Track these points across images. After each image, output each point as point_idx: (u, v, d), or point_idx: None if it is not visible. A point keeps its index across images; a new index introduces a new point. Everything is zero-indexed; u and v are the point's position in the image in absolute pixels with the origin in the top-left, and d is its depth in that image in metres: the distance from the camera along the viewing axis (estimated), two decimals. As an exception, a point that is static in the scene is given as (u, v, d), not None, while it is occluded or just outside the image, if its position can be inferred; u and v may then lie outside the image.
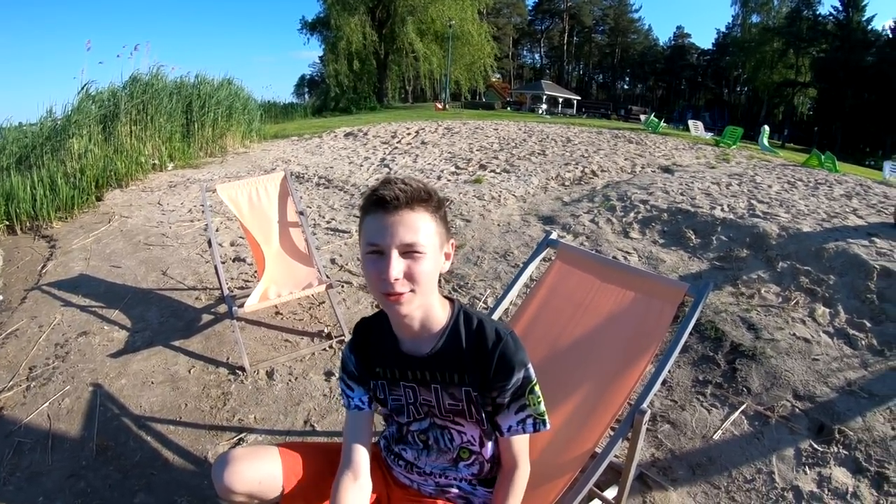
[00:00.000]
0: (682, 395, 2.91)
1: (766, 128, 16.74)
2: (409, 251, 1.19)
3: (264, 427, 2.80)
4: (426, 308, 1.29)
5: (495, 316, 2.30)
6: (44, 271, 5.32)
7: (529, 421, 1.34)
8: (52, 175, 8.02)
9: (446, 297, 1.39)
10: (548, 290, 2.24)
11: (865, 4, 49.30)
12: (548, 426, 1.36)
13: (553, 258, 2.34)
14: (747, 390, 2.88)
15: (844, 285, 3.79)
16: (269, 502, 1.43)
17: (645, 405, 1.70)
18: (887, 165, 13.05)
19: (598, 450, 1.75)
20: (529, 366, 1.33)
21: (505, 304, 2.35)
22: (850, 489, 2.26)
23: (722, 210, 5.38)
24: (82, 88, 10.80)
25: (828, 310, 3.57)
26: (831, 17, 51.81)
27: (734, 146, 13.43)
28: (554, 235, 2.41)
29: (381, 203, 1.18)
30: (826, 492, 2.26)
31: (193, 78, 13.11)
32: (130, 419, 2.91)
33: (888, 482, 2.28)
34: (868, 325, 3.37)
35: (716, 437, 2.58)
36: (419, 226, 1.19)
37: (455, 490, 1.46)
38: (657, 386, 1.76)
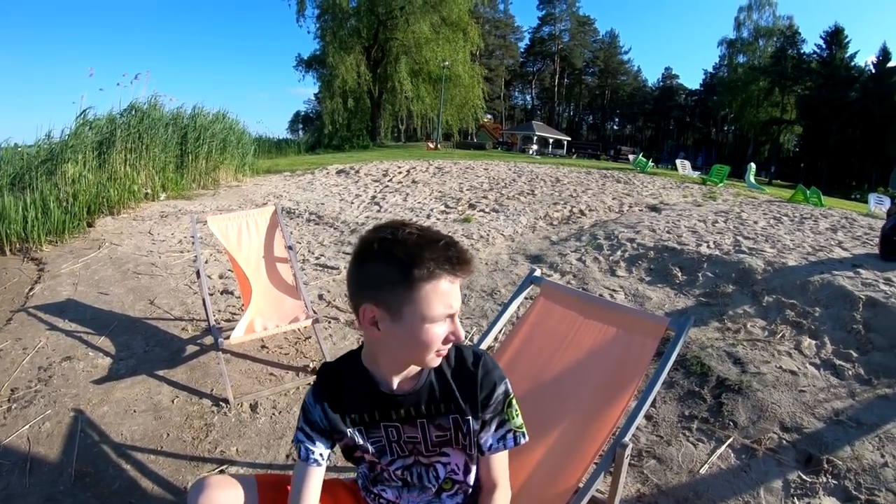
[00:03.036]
0: (668, 430, 2.89)
1: (753, 165, 17.09)
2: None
3: (246, 460, 2.76)
4: None
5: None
6: (31, 294, 5.28)
7: (510, 436, 1.36)
8: (45, 198, 8.00)
9: None
10: (531, 326, 2.25)
11: (848, 41, 50.78)
12: (526, 437, 1.38)
13: (537, 295, 2.36)
14: (734, 424, 2.87)
15: (830, 317, 3.82)
16: None
17: (626, 439, 1.70)
18: (872, 198, 13.30)
19: (582, 485, 1.74)
20: (507, 380, 1.36)
21: (488, 340, 2.35)
22: (840, 519, 2.23)
23: (708, 247, 5.43)
24: (81, 114, 10.86)
25: (814, 341, 3.60)
26: (815, 56, 53.33)
27: (721, 184, 13.67)
28: (538, 273, 2.43)
29: (462, 264, 1.16)
30: (815, 523, 2.22)
31: (190, 109, 13.25)
32: (111, 447, 2.86)
33: (878, 510, 2.26)
34: (855, 354, 3.39)
35: (702, 471, 2.56)
36: None
37: None
38: (639, 419, 1.76)
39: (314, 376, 3.47)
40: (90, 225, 8.24)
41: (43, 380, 3.56)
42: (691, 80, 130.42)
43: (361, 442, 1.36)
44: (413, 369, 1.31)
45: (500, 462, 1.37)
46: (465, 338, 4.08)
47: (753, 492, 2.41)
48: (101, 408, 3.22)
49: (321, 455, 1.38)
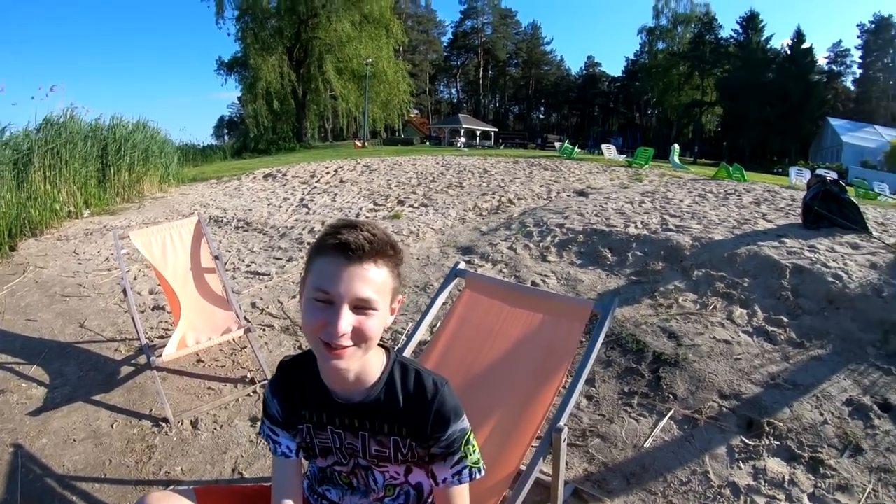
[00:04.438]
0: (610, 408, 2.97)
1: (676, 146, 17.65)
2: (361, 306, 1.11)
3: (192, 478, 2.71)
4: (362, 361, 1.21)
5: (409, 348, 2.33)
6: (-46, 326, 4.99)
7: (465, 472, 1.29)
8: None
9: (381, 345, 1.31)
10: (459, 319, 2.28)
11: (763, 25, 53.55)
12: (483, 472, 1.32)
13: (462, 288, 2.39)
14: (673, 396, 2.97)
15: (759, 286, 4.02)
16: None
17: (562, 423, 1.73)
18: (793, 171, 14.01)
19: (524, 468, 1.78)
20: (464, 417, 1.29)
21: (417, 336, 2.37)
22: (787, 477, 2.36)
23: (636, 227, 5.61)
24: (-3, 132, 10.31)
25: (745, 311, 3.78)
26: (732, 40, 55.95)
27: (646, 166, 14.10)
28: (462, 265, 2.46)
29: (342, 249, 1.09)
30: (763, 483, 2.35)
31: (108, 120, 12.68)
32: (54, 479, 2.75)
33: (823, 465, 2.40)
34: (786, 320, 3.58)
35: (647, 445, 2.64)
36: (377, 281, 1.12)
37: None
38: (573, 402, 1.81)
39: (252, 386, 3.45)
40: (12, 249, 7.83)
41: None
42: (614, 67, 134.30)
43: (309, 440, 1.36)
44: (356, 382, 1.26)
45: (456, 494, 1.30)
46: (401, 335, 4.07)
47: (699, 460, 2.50)
48: (40, 440, 3.09)
49: (288, 448, 1.39)
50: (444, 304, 2.48)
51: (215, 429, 3.10)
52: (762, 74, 50.59)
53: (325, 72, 38.16)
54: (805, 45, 51.14)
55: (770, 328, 3.53)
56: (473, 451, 1.29)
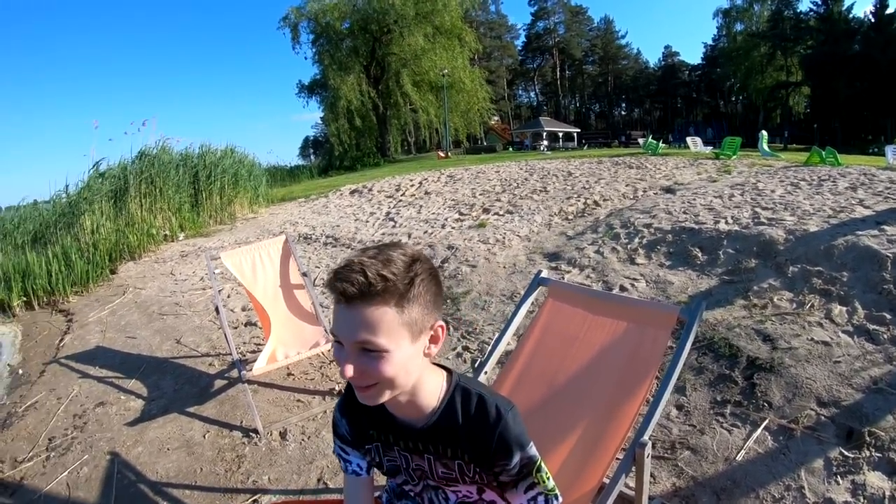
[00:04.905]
0: (701, 418, 2.81)
1: (765, 133, 16.68)
2: (367, 349, 1.06)
3: (278, 487, 2.78)
4: (410, 392, 1.18)
5: (493, 358, 2.29)
6: (61, 344, 5.41)
7: (541, 498, 1.24)
8: (67, 250, 8.25)
9: (441, 367, 1.28)
10: (541, 329, 2.23)
11: None
12: (559, 499, 1.27)
13: (545, 297, 2.33)
14: (768, 405, 2.77)
15: (859, 280, 3.70)
16: None
17: (646, 437, 1.65)
18: (889, 150, 12.98)
19: (607, 481, 1.72)
20: (531, 445, 1.22)
21: (502, 346, 2.33)
22: (888, 493, 2.16)
23: (726, 223, 5.34)
24: (94, 166, 11.13)
25: (844, 308, 3.48)
26: (812, 13, 52.07)
27: (735, 156, 13.41)
28: (544, 273, 2.40)
29: (338, 294, 1.05)
30: (862, 499, 2.15)
31: (198, 149, 13.45)
32: (147, 485, 2.92)
33: (929, 480, 2.16)
34: (888, 317, 3.27)
35: (739, 457, 2.48)
36: (377, 322, 1.05)
37: None
38: (658, 415, 1.72)
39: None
40: (113, 272, 8.40)
41: (78, 426, 3.64)
42: (692, 55, 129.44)
43: (378, 459, 1.35)
44: (412, 409, 1.23)
45: None
46: (489, 345, 4.04)
47: (794, 474, 2.32)
48: (136, 448, 3.28)
49: (359, 466, 1.40)
50: (529, 312, 2.43)
51: (303, 440, 3.18)
52: (847, 47, 46.86)
53: (403, 86, 38.85)
54: (889, 11, 46.96)
55: (872, 326, 3.22)
56: (547, 478, 1.24)
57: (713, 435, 2.66)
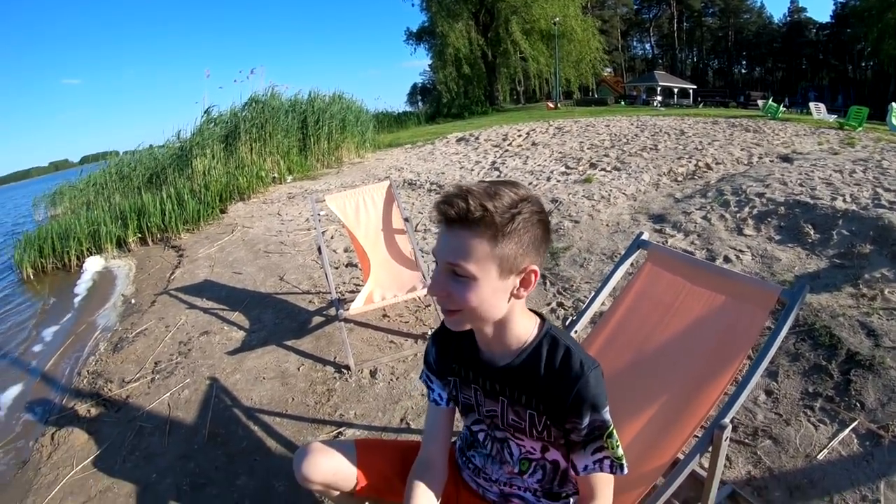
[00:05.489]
0: (789, 408, 2.66)
1: (894, 105, 15.05)
2: (457, 273, 1.11)
3: (363, 423, 2.92)
4: (497, 327, 1.23)
5: (585, 317, 2.26)
6: (172, 278, 5.79)
7: (607, 462, 1.22)
8: (180, 191, 8.83)
9: (536, 313, 1.30)
10: (636, 293, 2.17)
11: None
12: (625, 470, 1.24)
13: (644, 261, 2.26)
14: (861, 405, 2.57)
15: (985, 282, 3.32)
16: (345, 492, 1.51)
17: (727, 419, 1.58)
18: None
19: (682, 457, 1.66)
20: (606, 409, 1.21)
21: (595, 306, 2.29)
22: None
23: (844, 201, 4.95)
24: (205, 112, 11.66)
25: (964, 309, 3.13)
26: None
27: (860, 128, 12.26)
28: (645, 236, 2.32)
29: (441, 215, 1.11)
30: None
31: (307, 95, 13.83)
32: (241, 410, 3.15)
33: None
34: None
35: (820, 456, 2.32)
36: (470, 249, 1.09)
37: (517, 500, 1.42)
38: (743, 398, 1.63)
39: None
40: (223, 212, 8.89)
41: (183, 353, 3.93)
42: (821, 12, 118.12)
43: (455, 393, 1.42)
44: (498, 345, 1.27)
45: (598, 480, 1.25)
46: (584, 303, 3.97)
47: (873, 485, 2.14)
48: (234, 376, 3.51)
49: (440, 396, 1.47)
50: (628, 274, 2.37)
51: (391, 380, 3.29)
52: None
53: (513, 34, 37.94)
54: None
55: None
56: (617, 446, 1.23)
57: (798, 427, 2.52)
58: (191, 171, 10.02)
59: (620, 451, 1.23)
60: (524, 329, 1.25)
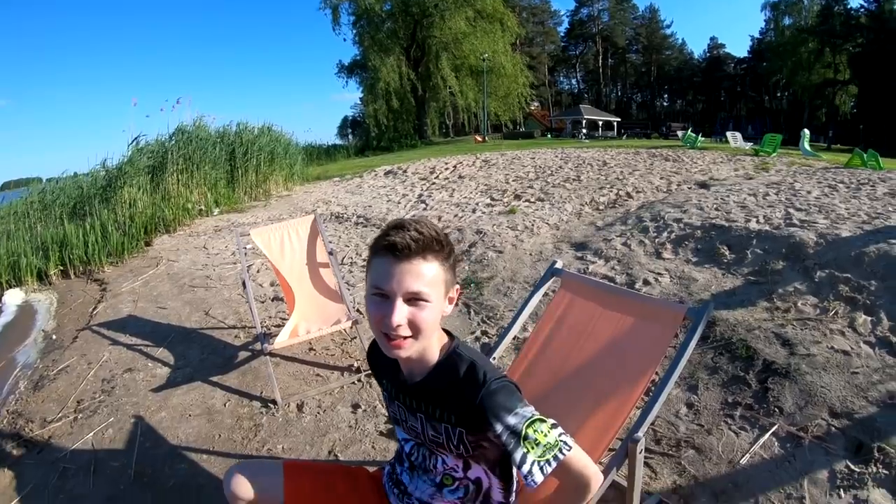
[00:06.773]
0: (710, 418, 2.80)
1: (807, 131, 16.08)
2: (413, 299, 1.19)
3: (291, 456, 2.88)
4: (425, 344, 1.29)
5: (503, 344, 2.34)
6: (94, 312, 5.57)
7: (535, 469, 1.19)
8: (104, 222, 8.48)
9: (446, 332, 1.37)
10: (553, 320, 2.26)
11: None
12: (563, 454, 1.21)
13: (559, 288, 2.35)
14: (779, 410, 2.73)
15: (888, 290, 3.59)
16: None
17: (640, 433, 1.67)
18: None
19: None
20: (517, 411, 1.22)
21: (512, 332, 2.37)
22: (890, 511, 2.12)
23: (758, 222, 5.25)
24: (133, 141, 11.40)
25: (869, 318, 3.38)
26: (863, 10, 50.20)
27: (774, 154, 13.16)
28: (559, 264, 2.41)
29: (391, 249, 1.18)
30: (862, 515, 2.12)
31: (235, 127, 13.68)
32: (167, 449, 3.05)
33: (935, 503, 2.12)
34: (914, 330, 3.17)
35: (743, 461, 2.45)
36: (427, 275, 1.19)
37: None
38: (654, 412, 1.73)
39: (357, 375, 3.61)
40: (148, 244, 8.62)
41: (106, 391, 3.80)
42: (738, 47, 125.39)
43: (387, 405, 1.51)
44: (416, 363, 1.33)
45: (551, 484, 1.29)
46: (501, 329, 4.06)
47: (797, 483, 2.28)
48: (159, 413, 3.42)
49: None
50: (547, 299, 2.45)
51: (318, 413, 3.27)
52: (898, 47, 45.22)
53: (442, 69, 38.70)
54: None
55: (895, 339, 3.14)
56: (535, 445, 1.20)
57: (720, 436, 2.65)
58: (116, 202, 9.72)
59: (552, 437, 1.22)
60: (437, 346, 1.33)
